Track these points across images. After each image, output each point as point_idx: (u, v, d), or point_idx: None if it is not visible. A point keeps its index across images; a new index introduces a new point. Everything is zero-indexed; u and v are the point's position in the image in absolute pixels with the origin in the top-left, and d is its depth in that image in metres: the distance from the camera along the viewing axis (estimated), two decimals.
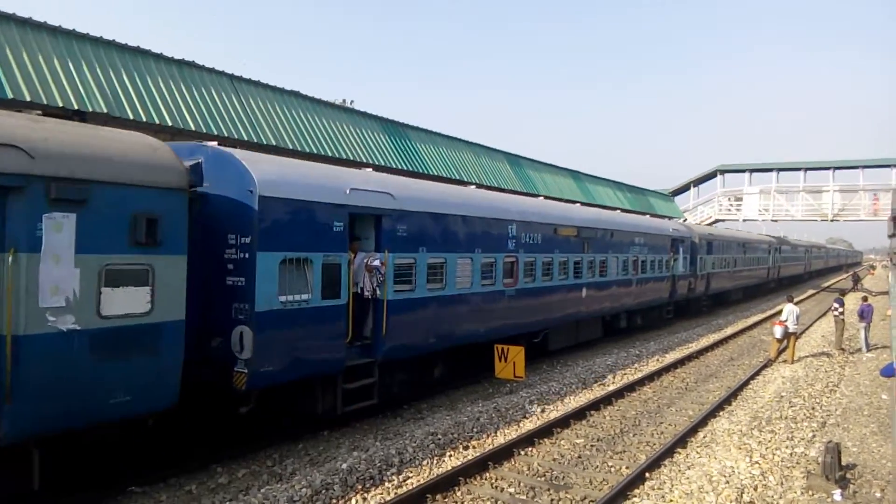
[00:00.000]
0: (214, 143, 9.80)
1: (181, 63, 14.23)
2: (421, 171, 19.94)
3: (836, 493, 9.08)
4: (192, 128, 13.68)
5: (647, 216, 29.74)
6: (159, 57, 13.83)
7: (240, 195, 9.08)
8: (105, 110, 12.27)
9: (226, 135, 14.24)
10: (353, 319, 10.91)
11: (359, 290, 11.18)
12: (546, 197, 23.54)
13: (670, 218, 37.42)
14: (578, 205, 22.82)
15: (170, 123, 13.28)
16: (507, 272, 15.06)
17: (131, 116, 12.67)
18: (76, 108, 11.83)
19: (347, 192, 10.55)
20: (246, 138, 14.61)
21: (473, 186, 16.90)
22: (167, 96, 13.59)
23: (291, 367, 9.68)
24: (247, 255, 9.01)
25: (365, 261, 11.18)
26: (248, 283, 8.98)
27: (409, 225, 11.92)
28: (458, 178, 21.75)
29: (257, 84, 15.89)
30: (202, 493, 8.55)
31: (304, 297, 9.72)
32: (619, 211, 26.97)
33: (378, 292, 11.33)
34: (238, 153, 9.61)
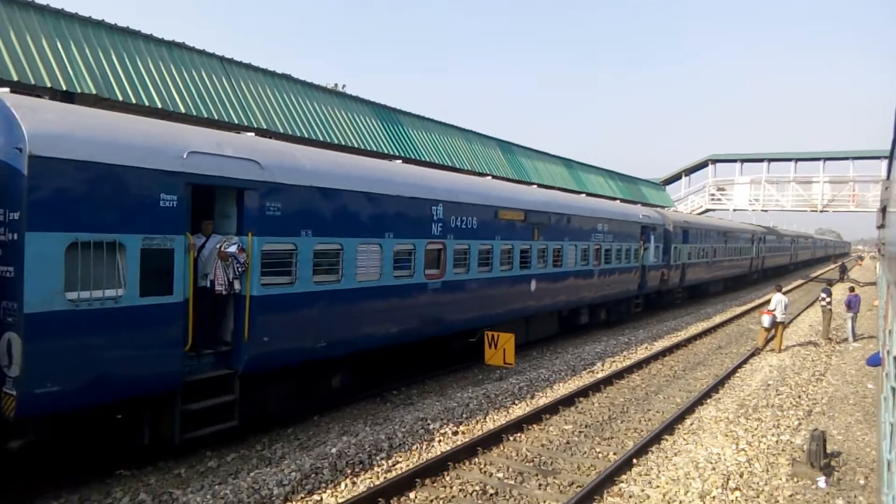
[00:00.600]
0: None
1: (171, 44, 14.06)
2: (414, 157, 19.86)
3: (821, 480, 9.19)
4: (182, 110, 13.55)
5: (617, 201, 27.14)
6: (149, 38, 13.66)
7: (5, 154, 6.87)
8: (94, 91, 12.12)
9: (216, 117, 14.12)
10: (202, 321, 8.89)
11: (208, 284, 8.94)
12: (536, 184, 23.54)
13: (663, 207, 37.49)
14: (535, 186, 20.66)
15: (159, 105, 13.14)
16: (432, 262, 12.88)
17: (120, 98, 12.53)
18: (64, 88, 11.70)
19: (185, 156, 8.20)
20: (237, 121, 14.49)
21: (399, 161, 14.80)
22: (157, 78, 13.44)
23: (91, 388, 7.32)
24: (14, 237, 6.82)
25: (217, 246, 8.91)
26: (17, 275, 6.76)
27: (286, 202, 9.54)
28: (450, 164, 21.69)
29: (248, 67, 15.74)
30: (191, 477, 8.55)
31: (112, 293, 7.41)
32: (584, 195, 25.51)
33: (238, 287, 9.09)
34: (9, 97, 7.25)
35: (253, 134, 10.95)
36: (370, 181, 11.37)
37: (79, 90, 11.90)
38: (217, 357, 9.16)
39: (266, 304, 9.32)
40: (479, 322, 14.68)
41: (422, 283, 12.61)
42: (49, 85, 11.44)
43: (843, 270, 59.10)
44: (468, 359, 15.35)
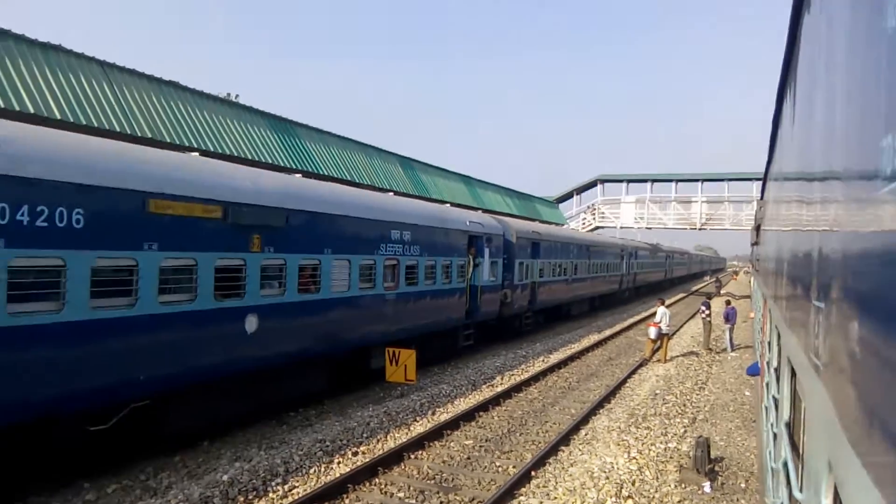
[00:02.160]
0: None
1: (46, 46, 13.06)
2: (312, 170, 19.46)
3: (706, 486, 9.66)
4: (58, 116, 12.59)
5: (425, 202, 20.41)
6: (20, 38, 12.63)
7: None
8: None
9: (95, 125, 13.22)
10: None
11: None
12: (435, 200, 23.67)
13: (558, 224, 38.71)
14: (261, 169, 12.94)
15: (32, 111, 12.15)
16: None
17: None
18: None
19: None
20: (119, 129, 13.63)
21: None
22: (29, 81, 12.43)
23: None
24: None
25: None
26: None
27: None
28: (349, 179, 21.42)
29: (132, 72, 14.87)
30: None
31: None
32: (385, 193, 19.55)
33: None
34: None
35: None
36: None
37: None
38: None
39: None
40: (120, 394, 8.63)
41: None
42: None
43: (719, 285, 64.04)
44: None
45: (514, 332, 24.59)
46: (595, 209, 51.39)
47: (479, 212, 23.68)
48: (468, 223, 19.56)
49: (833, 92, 2.07)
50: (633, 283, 47.08)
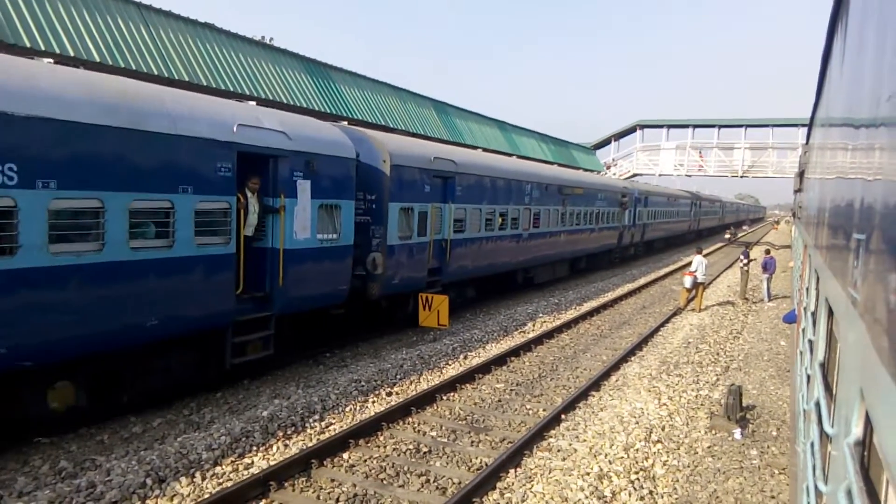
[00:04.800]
0: None
1: None
2: (346, 115, 19.40)
3: (737, 432, 9.70)
4: (97, 59, 12.70)
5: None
6: None
7: None
8: None
9: (133, 68, 13.32)
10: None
11: None
12: (475, 147, 23.45)
13: (595, 171, 37.92)
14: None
15: (72, 54, 12.27)
16: None
17: (28, 44, 11.61)
18: None
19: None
20: (156, 72, 13.72)
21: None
22: (68, 23, 12.53)
23: None
24: None
25: None
26: None
27: None
28: (383, 123, 21.32)
29: (168, 14, 14.85)
30: (115, 443, 8.25)
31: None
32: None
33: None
34: None
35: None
36: None
37: None
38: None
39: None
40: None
41: None
42: None
43: (732, 237, 61.03)
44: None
45: (395, 321, 15.30)
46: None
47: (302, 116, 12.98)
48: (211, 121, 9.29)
49: (886, 27, 1.99)
50: (642, 237, 37.44)
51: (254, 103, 11.85)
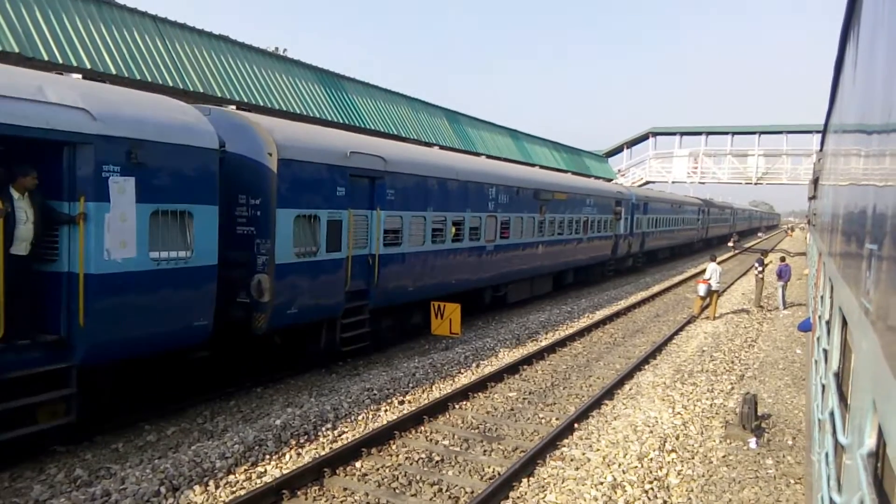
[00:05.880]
0: None
1: (101, 2, 13.29)
2: (358, 125, 19.52)
3: (752, 441, 9.61)
4: (113, 71, 12.88)
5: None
6: None
7: None
8: (17, 50, 11.37)
9: (149, 80, 13.49)
10: None
11: None
12: (486, 156, 23.49)
13: (607, 179, 37.77)
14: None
15: (88, 66, 12.45)
16: None
17: (45, 57, 11.80)
18: None
19: None
20: (171, 84, 13.88)
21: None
22: (85, 36, 12.71)
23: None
24: None
25: None
26: None
27: None
28: (395, 133, 21.41)
29: (183, 27, 15.04)
30: (129, 451, 8.31)
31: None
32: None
33: None
34: None
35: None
36: None
37: (1, 49, 11.15)
38: None
39: None
40: None
41: None
42: None
43: (737, 240, 60.16)
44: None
45: (307, 357, 12.39)
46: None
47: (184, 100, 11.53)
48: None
49: None
50: (642, 246, 34.56)
51: (63, 74, 8.76)
